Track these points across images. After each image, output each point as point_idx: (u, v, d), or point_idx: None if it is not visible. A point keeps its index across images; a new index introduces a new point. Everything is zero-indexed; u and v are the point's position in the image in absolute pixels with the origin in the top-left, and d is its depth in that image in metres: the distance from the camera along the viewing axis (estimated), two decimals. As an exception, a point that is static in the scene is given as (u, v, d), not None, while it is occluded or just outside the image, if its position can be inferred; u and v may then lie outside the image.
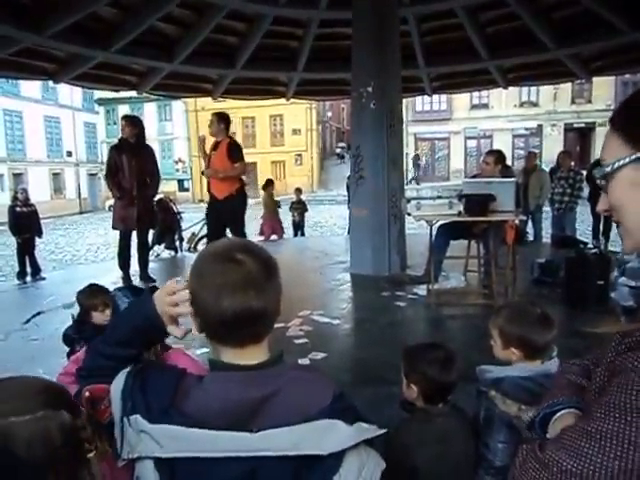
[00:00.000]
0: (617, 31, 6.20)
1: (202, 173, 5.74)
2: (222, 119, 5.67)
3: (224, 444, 0.81)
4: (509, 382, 1.68)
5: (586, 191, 8.76)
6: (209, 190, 5.74)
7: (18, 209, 9.04)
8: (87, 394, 0.99)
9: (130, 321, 1.04)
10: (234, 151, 5.59)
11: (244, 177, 6.00)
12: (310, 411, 0.85)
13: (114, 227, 5.80)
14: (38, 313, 6.74)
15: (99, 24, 6.02)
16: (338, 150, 38.87)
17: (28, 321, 6.42)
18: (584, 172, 8.68)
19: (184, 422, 0.83)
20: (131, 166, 5.54)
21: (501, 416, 1.68)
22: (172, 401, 0.86)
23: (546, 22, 6.73)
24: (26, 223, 9.03)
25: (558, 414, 0.84)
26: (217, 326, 0.90)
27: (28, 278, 9.05)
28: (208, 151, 5.66)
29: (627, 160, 0.69)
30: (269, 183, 11.67)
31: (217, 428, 0.82)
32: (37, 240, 9.41)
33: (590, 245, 7.12)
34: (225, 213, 5.66)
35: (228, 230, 5.78)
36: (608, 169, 0.71)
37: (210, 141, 5.75)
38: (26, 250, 9.07)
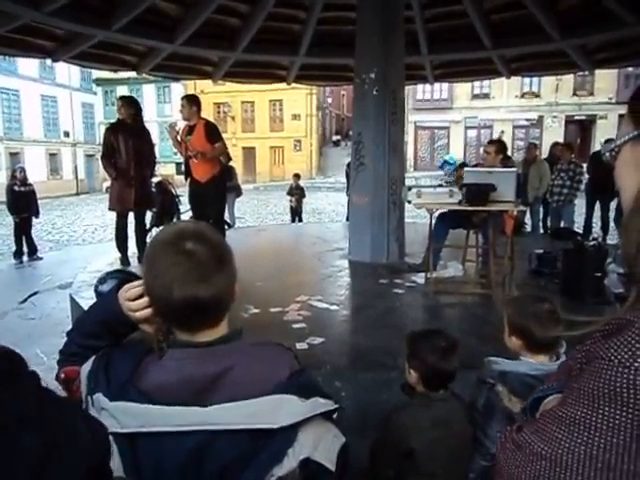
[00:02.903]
0: (622, 23, 6.14)
1: (189, 157, 5.60)
2: (194, 102, 5.64)
3: (176, 419, 0.83)
4: (515, 378, 1.70)
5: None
6: (189, 175, 5.68)
7: (16, 188, 9.00)
8: (62, 375, 1.04)
9: (96, 315, 1.10)
10: (212, 132, 5.58)
11: (222, 158, 6.03)
12: (266, 386, 0.87)
13: (111, 208, 5.76)
14: (35, 293, 6.77)
15: (99, 1, 5.94)
16: (335, 138, 38.86)
17: (25, 300, 6.45)
18: (584, 165, 8.68)
19: (140, 398, 0.86)
20: (128, 147, 5.50)
21: (504, 409, 1.71)
22: (130, 378, 0.89)
23: (551, 12, 6.67)
24: (24, 203, 9.01)
25: (549, 398, 0.86)
26: (169, 314, 0.94)
27: (25, 258, 9.06)
28: (180, 137, 5.60)
29: (626, 138, 0.71)
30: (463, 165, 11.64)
31: (173, 404, 0.84)
32: (34, 220, 9.39)
33: (594, 236, 7.13)
34: (209, 196, 5.65)
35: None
36: (612, 145, 0.74)
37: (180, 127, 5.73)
38: (23, 230, 9.06)
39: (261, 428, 0.83)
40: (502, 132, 29.06)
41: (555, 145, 9.59)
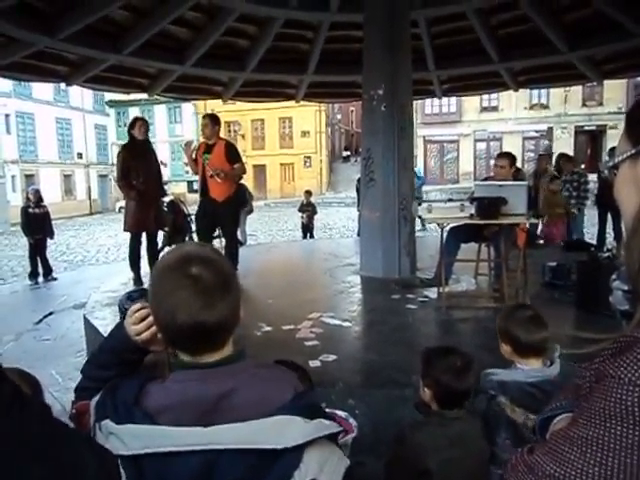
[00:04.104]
0: (630, 34, 6.15)
1: (211, 176, 5.50)
2: (216, 121, 5.68)
3: (179, 439, 0.83)
4: (514, 387, 1.77)
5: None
6: (206, 193, 5.60)
7: (30, 210, 9.12)
8: (74, 411, 1.06)
9: (106, 345, 1.15)
10: (233, 152, 5.61)
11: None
12: (269, 408, 0.86)
13: (127, 230, 5.79)
14: (50, 313, 6.82)
15: (112, 27, 6.08)
16: (345, 154, 39.11)
17: (40, 321, 6.50)
18: (592, 175, 8.63)
19: (145, 420, 0.86)
20: (147, 167, 5.57)
21: (508, 418, 1.75)
22: (135, 401, 0.89)
23: (558, 24, 6.69)
24: (38, 224, 9.12)
25: (558, 418, 0.85)
26: (174, 338, 0.94)
27: (40, 279, 9.15)
28: (195, 155, 5.60)
29: (624, 156, 0.71)
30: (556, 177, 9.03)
31: (177, 424, 0.85)
32: (48, 241, 9.49)
33: (607, 247, 7.06)
34: (224, 215, 5.64)
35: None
36: (610, 163, 0.74)
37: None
38: (38, 251, 9.16)
39: (265, 449, 0.82)
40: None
41: (561, 156, 9.60)
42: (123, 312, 2.17)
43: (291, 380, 0.97)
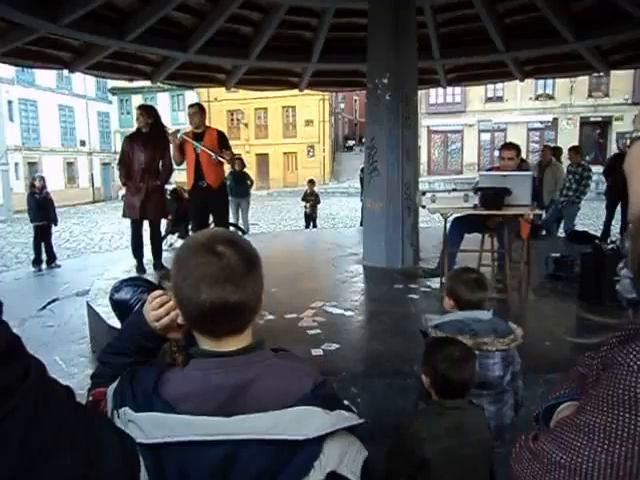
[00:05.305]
0: (638, 23, 6.08)
1: (218, 162, 5.70)
2: (204, 110, 5.95)
3: (201, 428, 0.83)
4: (447, 324, 2.06)
5: (601, 187, 8.71)
6: (201, 180, 5.69)
7: (37, 196, 9.16)
8: (91, 398, 1.05)
9: (124, 332, 1.17)
10: (225, 139, 5.86)
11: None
12: (289, 398, 0.86)
13: (124, 215, 5.92)
14: (53, 300, 6.85)
15: (115, 13, 6.02)
16: (349, 144, 38.95)
17: (44, 308, 6.52)
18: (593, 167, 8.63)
19: (164, 408, 0.85)
20: (140, 156, 5.57)
21: None
22: (154, 389, 0.89)
23: (565, 14, 6.61)
24: (43, 211, 9.14)
25: (562, 406, 0.85)
26: (196, 317, 0.93)
27: (44, 265, 9.17)
28: (183, 144, 5.69)
29: None
30: None
31: (197, 414, 0.84)
32: (52, 228, 9.51)
33: (612, 239, 7.03)
34: (217, 201, 5.90)
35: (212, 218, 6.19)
36: (634, 134, 0.72)
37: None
38: (42, 237, 9.19)
39: (287, 439, 0.82)
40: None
41: (553, 148, 9.65)
42: (112, 303, 2.18)
43: (310, 370, 0.97)
